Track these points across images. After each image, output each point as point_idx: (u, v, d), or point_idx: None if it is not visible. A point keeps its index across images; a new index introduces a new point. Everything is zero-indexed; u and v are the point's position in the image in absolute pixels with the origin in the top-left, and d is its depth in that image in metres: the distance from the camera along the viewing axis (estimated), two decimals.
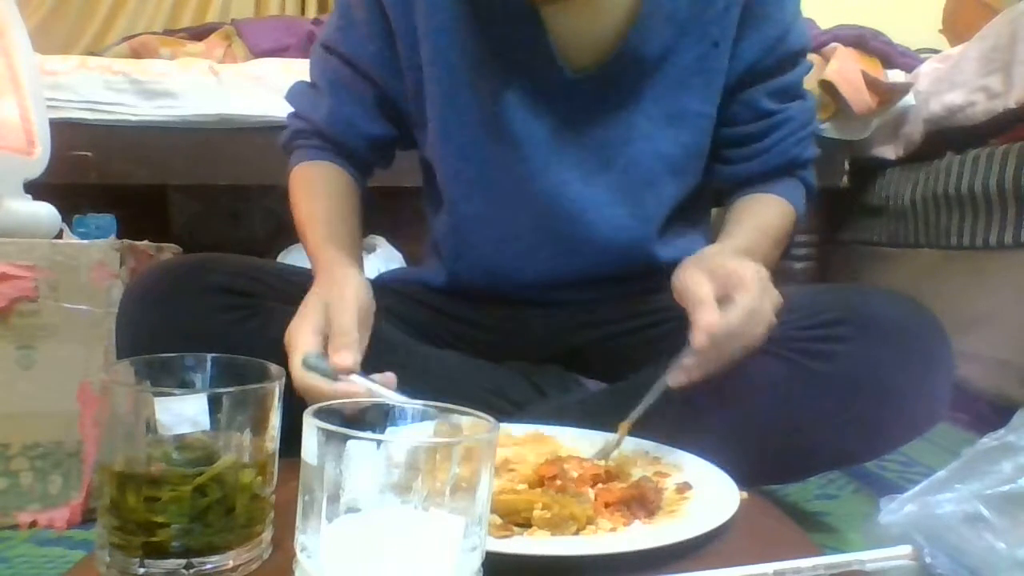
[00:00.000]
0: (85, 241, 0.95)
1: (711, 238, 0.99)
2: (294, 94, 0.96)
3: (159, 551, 0.46)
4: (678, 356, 0.66)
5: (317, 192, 0.89)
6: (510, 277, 0.90)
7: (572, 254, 0.88)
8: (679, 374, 0.66)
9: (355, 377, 0.64)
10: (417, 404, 0.47)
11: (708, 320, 0.63)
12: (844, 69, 1.59)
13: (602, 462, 0.67)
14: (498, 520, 0.55)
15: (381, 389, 0.64)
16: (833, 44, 1.65)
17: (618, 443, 0.69)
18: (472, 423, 0.45)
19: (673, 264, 0.81)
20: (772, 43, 0.85)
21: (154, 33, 2.16)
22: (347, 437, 0.39)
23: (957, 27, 1.94)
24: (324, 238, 0.83)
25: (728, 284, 0.66)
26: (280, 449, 0.51)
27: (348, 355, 0.65)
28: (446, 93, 0.85)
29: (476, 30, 0.82)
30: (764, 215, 0.87)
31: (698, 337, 0.63)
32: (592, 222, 0.86)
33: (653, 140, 0.84)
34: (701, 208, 0.97)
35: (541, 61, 0.82)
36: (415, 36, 0.85)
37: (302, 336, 0.67)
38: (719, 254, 0.73)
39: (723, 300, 0.65)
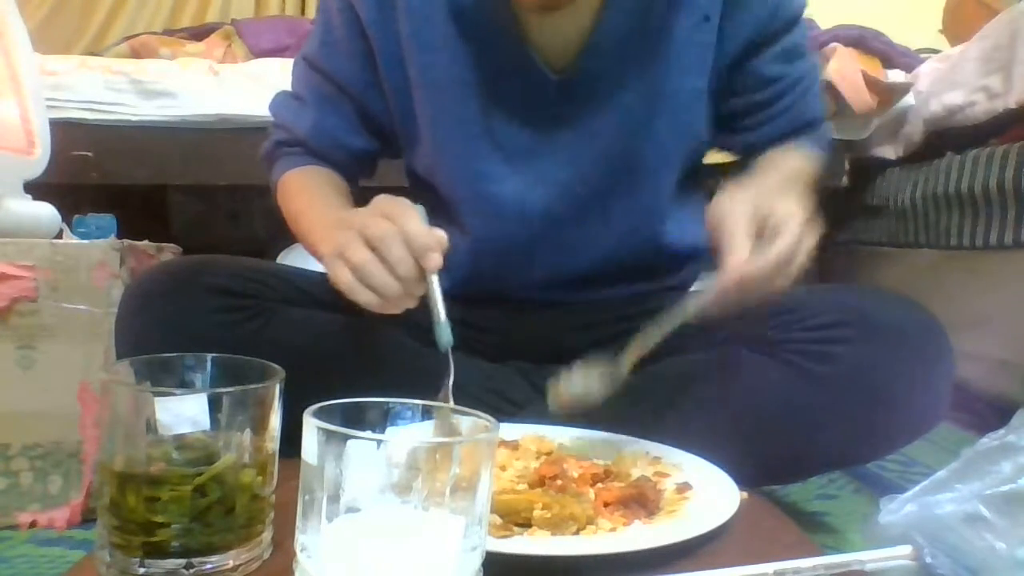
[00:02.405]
0: (85, 241, 0.95)
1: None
2: (277, 105, 0.96)
3: (159, 551, 0.46)
4: (702, 290, 0.65)
5: (312, 187, 0.89)
6: (515, 280, 0.90)
7: (576, 253, 0.88)
8: (700, 306, 0.65)
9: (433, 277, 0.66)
10: (417, 403, 0.47)
11: (737, 261, 0.62)
12: (844, 69, 1.59)
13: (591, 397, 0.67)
14: (498, 520, 0.55)
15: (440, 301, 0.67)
16: (833, 44, 1.65)
17: (629, 356, 0.67)
18: (472, 423, 0.45)
19: (679, 249, 0.81)
20: (769, 13, 0.84)
21: (154, 33, 2.16)
22: (347, 437, 0.39)
23: (957, 27, 1.94)
24: (334, 207, 0.83)
25: (768, 224, 0.64)
26: (280, 449, 0.51)
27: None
28: (436, 112, 0.85)
29: (460, 47, 0.82)
30: (792, 162, 0.86)
31: (724, 277, 0.62)
32: (591, 220, 0.86)
33: (649, 124, 0.84)
34: (694, 178, 0.95)
35: (523, 69, 0.82)
36: (399, 58, 0.85)
37: (408, 205, 0.68)
38: (765, 189, 0.71)
39: (759, 238, 0.64)
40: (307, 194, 0.88)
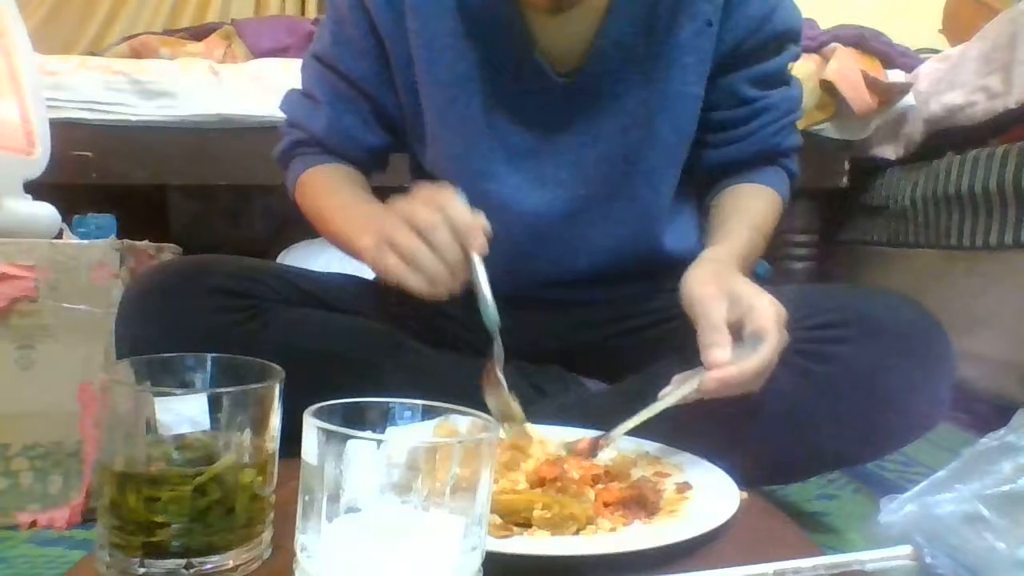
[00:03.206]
0: (85, 241, 0.95)
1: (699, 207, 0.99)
2: (290, 104, 0.96)
3: (159, 551, 0.46)
4: (680, 377, 0.66)
5: (337, 184, 0.90)
6: (515, 280, 0.90)
7: (576, 254, 0.88)
8: (680, 399, 0.66)
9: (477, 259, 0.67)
10: (417, 403, 0.47)
11: (719, 362, 0.63)
12: (844, 69, 1.59)
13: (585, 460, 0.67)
14: (498, 520, 0.55)
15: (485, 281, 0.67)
16: (833, 44, 1.65)
17: (596, 451, 0.69)
18: (472, 423, 0.45)
19: (676, 254, 0.81)
20: (758, 23, 0.84)
21: (154, 33, 2.16)
22: (347, 437, 0.39)
23: (957, 27, 1.94)
24: (365, 201, 0.85)
25: (744, 317, 0.65)
26: (280, 449, 0.51)
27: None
28: (439, 109, 0.85)
29: (465, 44, 0.82)
30: (753, 209, 0.87)
31: (706, 379, 0.63)
32: (592, 222, 0.86)
33: (651, 128, 0.84)
34: (689, 183, 0.96)
35: (527, 69, 0.82)
36: (408, 54, 0.85)
37: (449, 191, 0.69)
38: (731, 271, 0.72)
39: (735, 329, 0.65)
40: (329, 188, 0.89)
